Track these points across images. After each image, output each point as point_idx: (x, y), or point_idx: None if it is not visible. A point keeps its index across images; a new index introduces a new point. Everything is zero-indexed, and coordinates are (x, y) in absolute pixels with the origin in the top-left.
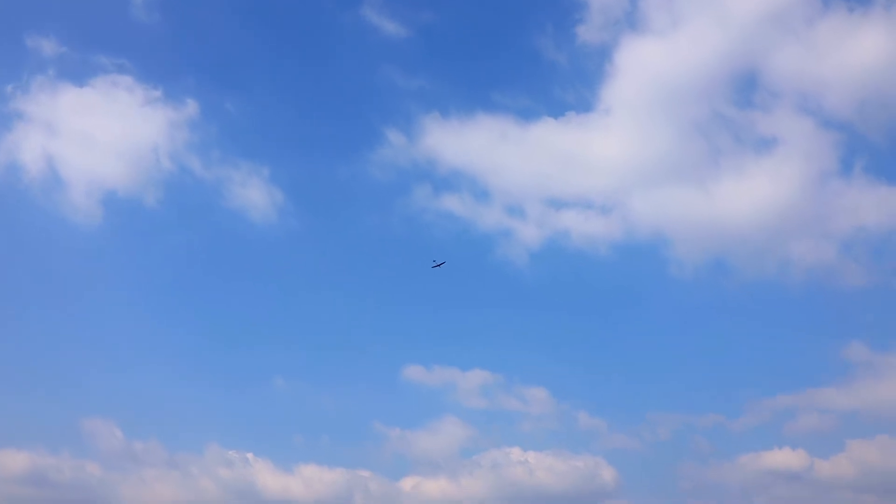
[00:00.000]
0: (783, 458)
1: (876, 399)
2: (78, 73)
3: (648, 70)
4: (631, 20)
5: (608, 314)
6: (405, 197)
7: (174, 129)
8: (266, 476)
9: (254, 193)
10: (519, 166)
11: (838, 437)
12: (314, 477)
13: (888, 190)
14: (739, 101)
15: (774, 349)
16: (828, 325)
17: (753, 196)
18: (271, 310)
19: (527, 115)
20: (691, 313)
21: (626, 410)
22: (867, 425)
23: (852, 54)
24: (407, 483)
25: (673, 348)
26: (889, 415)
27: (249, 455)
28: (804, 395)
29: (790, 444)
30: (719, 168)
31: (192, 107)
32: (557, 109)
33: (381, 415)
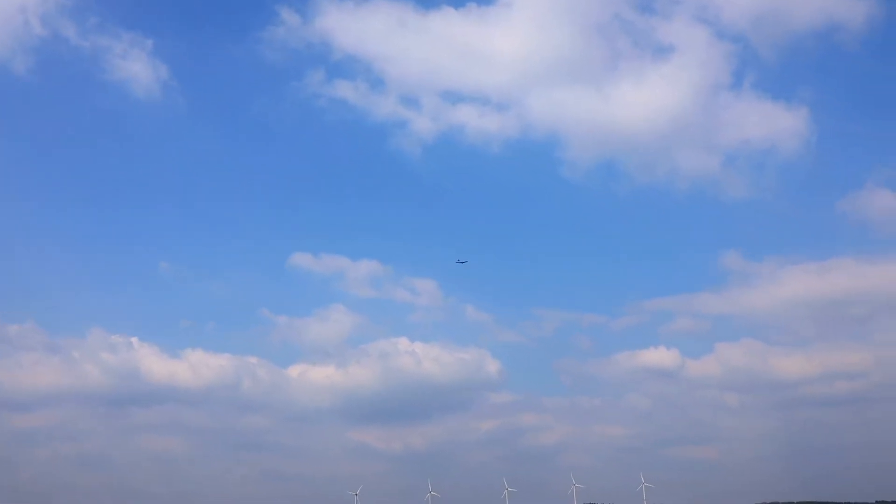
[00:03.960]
0: (658, 356)
1: (744, 305)
2: None
3: None
4: None
5: (499, 211)
6: (297, 81)
7: None
8: (152, 361)
9: (136, 67)
10: (416, 56)
11: (709, 339)
12: (201, 362)
13: (773, 106)
14: (640, 6)
15: (656, 253)
16: (707, 234)
17: (647, 102)
18: (155, 191)
19: (426, 2)
20: (580, 214)
21: (512, 306)
22: (735, 329)
23: None
24: (295, 370)
25: (560, 248)
26: (755, 320)
27: (134, 339)
28: (680, 298)
29: (665, 344)
30: (617, 72)
31: None
32: None
33: (269, 302)
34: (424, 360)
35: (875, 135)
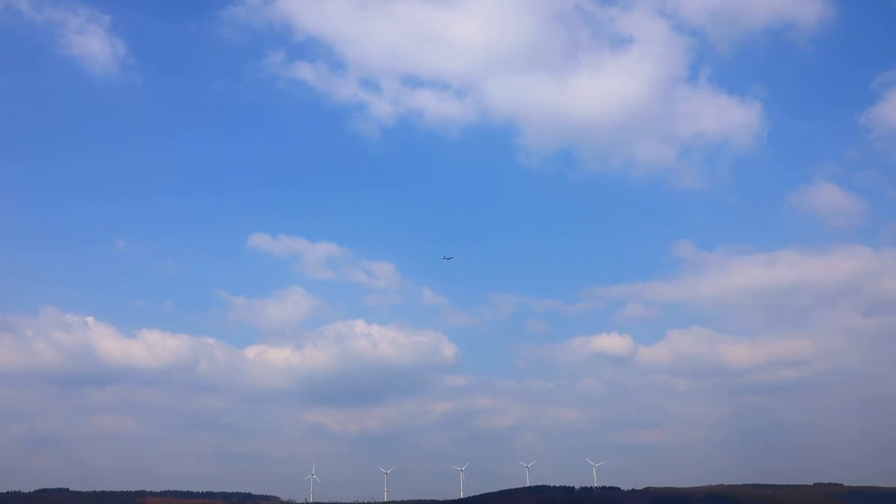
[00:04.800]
0: (611, 342)
1: (695, 294)
2: None
3: None
4: None
5: (456, 196)
6: (257, 61)
7: None
8: (107, 341)
9: (93, 43)
10: (377, 39)
11: (660, 326)
12: (157, 343)
13: (728, 100)
14: None
15: (611, 241)
16: (661, 223)
17: (605, 93)
18: (110, 170)
19: None
20: (536, 201)
21: (469, 290)
22: (685, 317)
23: None
24: (252, 351)
25: (516, 234)
26: (705, 308)
27: (89, 319)
28: (634, 286)
29: (618, 330)
30: (576, 62)
31: None
32: None
33: (226, 282)
34: (381, 342)
35: (823, 132)
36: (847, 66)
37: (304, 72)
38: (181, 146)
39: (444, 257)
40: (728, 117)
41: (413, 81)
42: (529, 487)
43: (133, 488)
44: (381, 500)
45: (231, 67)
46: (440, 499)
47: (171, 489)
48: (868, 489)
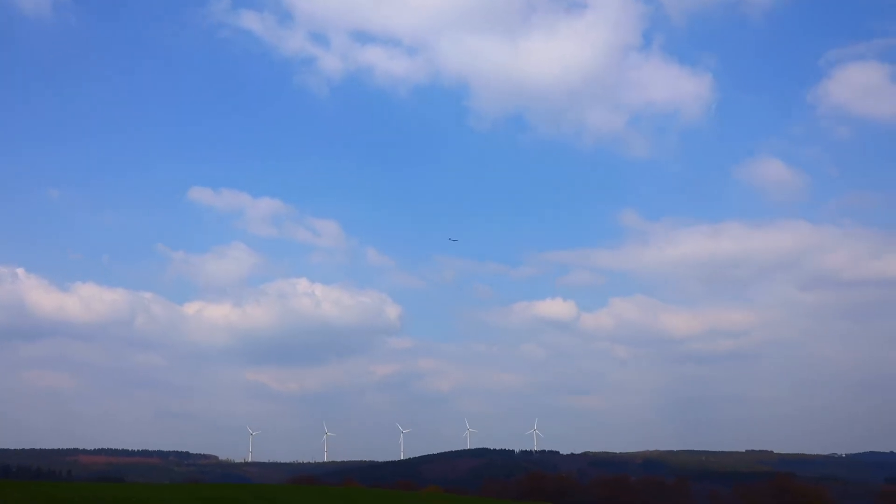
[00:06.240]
0: (554, 307)
1: (639, 263)
2: None
3: None
4: None
5: (404, 156)
6: (200, 7)
7: None
8: (39, 294)
9: None
10: None
11: (604, 293)
12: (93, 296)
13: (679, 70)
14: None
15: (558, 207)
16: (608, 191)
17: (558, 57)
18: (43, 115)
19: None
20: (485, 164)
21: (415, 251)
22: (629, 285)
23: None
24: (191, 307)
25: (464, 196)
26: (647, 277)
27: (20, 270)
28: (579, 252)
29: (562, 295)
30: (530, 24)
31: None
32: None
33: (165, 236)
34: (324, 301)
35: (771, 106)
36: (797, 41)
37: (250, 21)
38: (118, 92)
39: (450, 238)
40: (678, 87)
41: (363, 37)
42: (469, 450)
43: (65, 446)
44: (322, 461)
45: (172, 12)
46: (380, 460)
47: (106, 447)
48: (795, 456)
